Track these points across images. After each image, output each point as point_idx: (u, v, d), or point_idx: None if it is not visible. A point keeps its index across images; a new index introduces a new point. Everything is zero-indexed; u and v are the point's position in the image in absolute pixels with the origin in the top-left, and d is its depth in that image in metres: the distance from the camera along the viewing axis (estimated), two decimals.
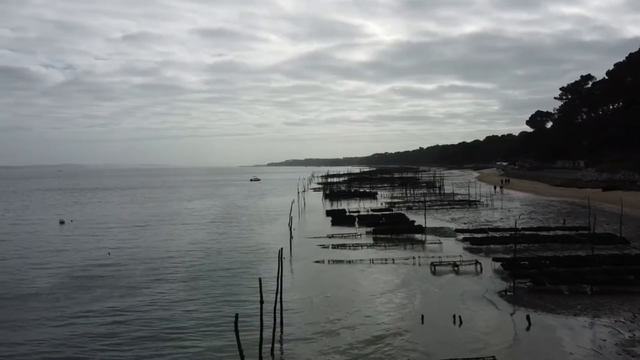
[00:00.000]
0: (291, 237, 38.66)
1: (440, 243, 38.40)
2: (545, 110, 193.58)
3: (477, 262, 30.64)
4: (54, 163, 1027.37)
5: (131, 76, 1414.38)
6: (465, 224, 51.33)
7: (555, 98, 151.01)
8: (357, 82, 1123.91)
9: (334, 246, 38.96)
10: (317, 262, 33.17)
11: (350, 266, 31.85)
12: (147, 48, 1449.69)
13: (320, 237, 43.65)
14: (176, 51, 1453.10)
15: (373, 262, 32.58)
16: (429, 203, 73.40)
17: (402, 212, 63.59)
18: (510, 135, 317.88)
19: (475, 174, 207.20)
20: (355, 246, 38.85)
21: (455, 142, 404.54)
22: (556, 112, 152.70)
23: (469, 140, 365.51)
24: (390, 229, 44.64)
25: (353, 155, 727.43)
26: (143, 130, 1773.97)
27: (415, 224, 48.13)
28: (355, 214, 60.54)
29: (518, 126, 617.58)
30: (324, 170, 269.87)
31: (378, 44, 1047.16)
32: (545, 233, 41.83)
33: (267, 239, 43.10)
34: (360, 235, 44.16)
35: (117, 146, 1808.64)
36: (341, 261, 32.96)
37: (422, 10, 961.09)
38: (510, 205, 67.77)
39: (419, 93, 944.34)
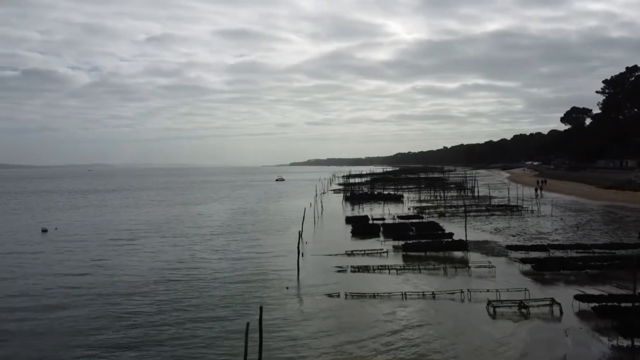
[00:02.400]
0: (299, 254, 30.40)
1: (492, 266, 29.64)
2: (581, 106, 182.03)
3: (553, 302, 21.92)
4: (83, 163, 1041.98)
5: (156, 77, 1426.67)
6: (513, 236, 42.46)
7: (597, 92, 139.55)
8: (379, 81, 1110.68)
9: (354, 269, 30.57)
10: (331, 296, 24.83)
11: (375, 304, 23.42)
12: (170, 49, 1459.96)
13: (338, 255, 35.29)
14: (199, 52, 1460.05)
15: (406, 297, 24.13)
16: (463, 209, 64.46)
17: (434, 219, 54.97)
18: (538, 133, 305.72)
19: (505, 174, 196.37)
20: (380, 269, 30.40)
21: (479, 141, 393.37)
22: (600, 105, 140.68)
23: (493, 139, 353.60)
24: (425, 244, 35.96)
25: (375, 155, 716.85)
26: (168, 131, 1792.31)
27: (454, 236, 39.56)
28: (380, 222, 52.14)
29: (544, 125, 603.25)
30: (346, 170, 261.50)
31: (399, 43, 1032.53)
32: (622, 252, 32.86)
33: (271, 259, 34.71)
34: (387, 252, 35.65)
35: (144, 146, 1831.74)
36: (363, 295, 24.54)
37: (443, 9, 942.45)
38: (559, 212, 58.27)
39: (441, 92, 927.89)
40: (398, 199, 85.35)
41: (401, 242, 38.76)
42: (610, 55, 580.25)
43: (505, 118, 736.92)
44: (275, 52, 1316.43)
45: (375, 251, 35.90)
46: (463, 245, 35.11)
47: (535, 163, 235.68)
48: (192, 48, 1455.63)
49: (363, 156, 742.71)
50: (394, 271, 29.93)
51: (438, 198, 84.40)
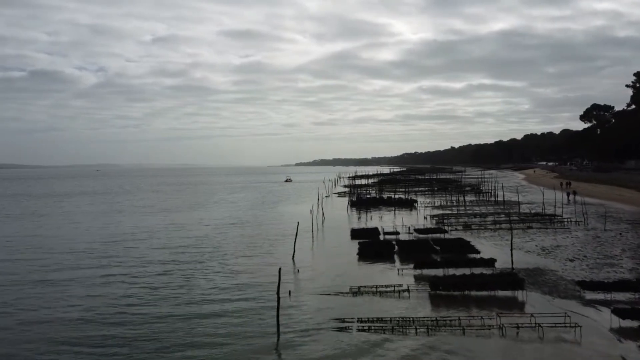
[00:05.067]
0: (279, 297, 20.21)
1: (576, 326, 19.33)
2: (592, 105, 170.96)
3: None
4: (91, 163, 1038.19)
5: (162, 78, 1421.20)
6: (571, 261, 32.18)
7: (627, 86, 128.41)
8: (384, 81, 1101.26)
9: (363, 326, 20.37)
10: None
11: None
12: (176, 50, 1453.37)
13: (339, 295, 25.15)
14: (205, 53, 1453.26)
15: None
16: (491, 219, 54.28)
17: (458, 233, 44.97)
18: (550, 133, 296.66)
19: (520, 175, 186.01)
20: (402, 325, 20.21)
21: (486, 141, 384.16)
22: (631, 99, 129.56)
23: (501, 139, 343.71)
24: (461, 280, 25.56)
25: (382, 155, 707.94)
26: (174, 131, 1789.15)
27: (497, 263, 29.59)
28: (393, 237, 42.20)
29: (551, 125, 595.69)
30: (352, 170, 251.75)
31: (404, 43, 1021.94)
32: None
33: (240, 308, 23.94)
34: (408, 290, 25.36)
35: (150, 146, 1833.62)
36: None
37: (448, 8, 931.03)
38: (611, 225, 47.71)
39: (447, 92, 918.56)
40: (410, 205, 75.19)
41: (425, 271, 28.98)
42: (618, 54, 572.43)
43: (512, 118, 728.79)
44: (281, 52, 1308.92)
45: (392, 289, 25.65)
46: (517, 281, 24.84)
47: (550, 163, 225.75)
48: (197, 48, 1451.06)
49: (369, 156, 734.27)
50: (423, 330, 19.70)
51: (456, 204, 74.03)
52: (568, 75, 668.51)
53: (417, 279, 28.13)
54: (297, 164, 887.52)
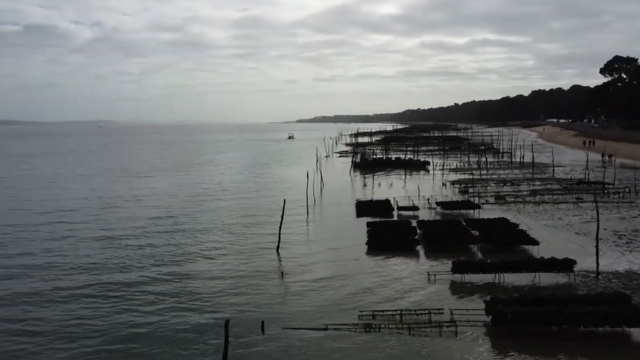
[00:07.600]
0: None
1: None
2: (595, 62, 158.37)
3: None
4: (91, 119, 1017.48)
5: (158, 32, 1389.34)
6: None
7: None
8: (386, 36, 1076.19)
9: None
10: None
11: None
12: (173, 4, 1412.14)
13: (342, 330, 15.53)
14: (202, 6, 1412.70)
15: None
16: (526, 187, 44.59)
17: (488, 203, 35.65)
18: (559, 89, 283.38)
19: (531, 132, 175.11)
20: None
21: (489, 98, 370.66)
22: None
23: (507, 95, 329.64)
24: (541, 309, 15.75)
25: (384, 112, 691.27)
26: (173, 87, 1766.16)
27: (577, 263, 19.99)
28: (411, 215, 33.01)
29: (555, 81, 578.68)
30: (354, 127, 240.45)
31: None
32: None
33: (185, 342, 14.65)
34: (454, 323, 15.68)
35: (149, 102, 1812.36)
36: None
37: None
38: None
39: (450, 47, 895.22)
40: (422, 167, 65.42)
41: (468, 277, 19.48)
42: (625, 9, 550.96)
43: (516, 74, 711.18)
44: (280, 6, 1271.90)
45: (426, 316, 16.02)
46: (634, 313, 15.08)
47: (562, 121, 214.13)
48: (194, 1, 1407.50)
49: (371, 113, 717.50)
50: None
51: (475, 166, 63.94)
52: (573, 31, 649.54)
53: (458, 291, 18.58)
54: (298, 121, 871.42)
